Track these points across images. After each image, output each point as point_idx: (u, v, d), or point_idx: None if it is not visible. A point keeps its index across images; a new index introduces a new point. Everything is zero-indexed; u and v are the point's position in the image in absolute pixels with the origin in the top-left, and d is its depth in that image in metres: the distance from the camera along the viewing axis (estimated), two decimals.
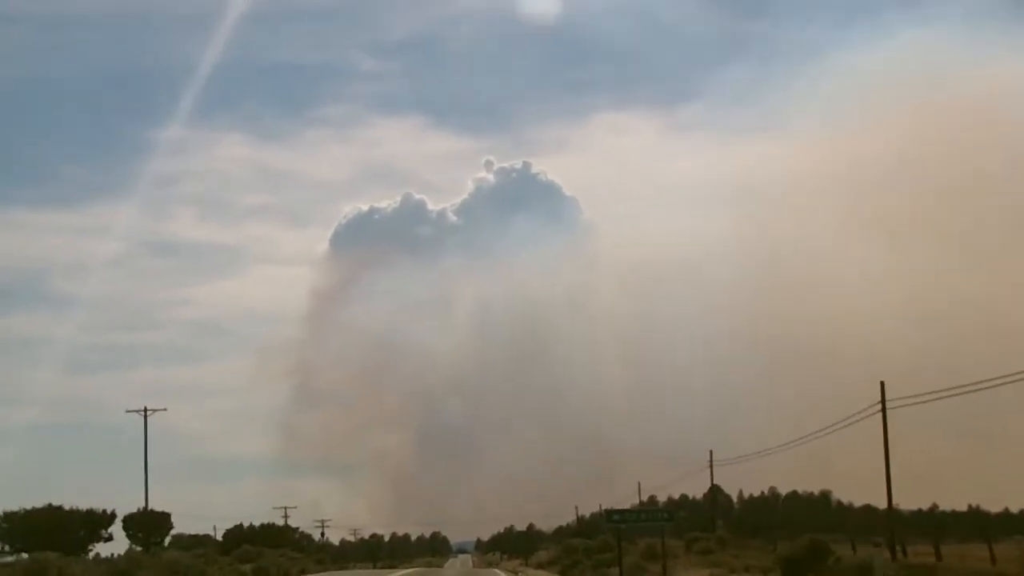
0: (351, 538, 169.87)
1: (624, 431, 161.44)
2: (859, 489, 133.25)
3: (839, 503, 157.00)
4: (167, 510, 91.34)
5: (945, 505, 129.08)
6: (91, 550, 75.08)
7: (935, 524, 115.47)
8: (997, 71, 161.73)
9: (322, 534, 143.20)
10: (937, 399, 49.22)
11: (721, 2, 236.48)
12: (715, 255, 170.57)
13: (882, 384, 51.47)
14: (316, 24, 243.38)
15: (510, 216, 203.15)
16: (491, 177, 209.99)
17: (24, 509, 78.25)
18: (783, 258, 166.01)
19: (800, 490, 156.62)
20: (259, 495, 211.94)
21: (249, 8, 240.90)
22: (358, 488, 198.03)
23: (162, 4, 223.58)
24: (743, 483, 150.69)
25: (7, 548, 78.83)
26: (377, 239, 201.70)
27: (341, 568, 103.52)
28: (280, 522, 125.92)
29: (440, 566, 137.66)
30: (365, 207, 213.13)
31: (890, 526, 52.89)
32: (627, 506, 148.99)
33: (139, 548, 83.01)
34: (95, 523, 76.94)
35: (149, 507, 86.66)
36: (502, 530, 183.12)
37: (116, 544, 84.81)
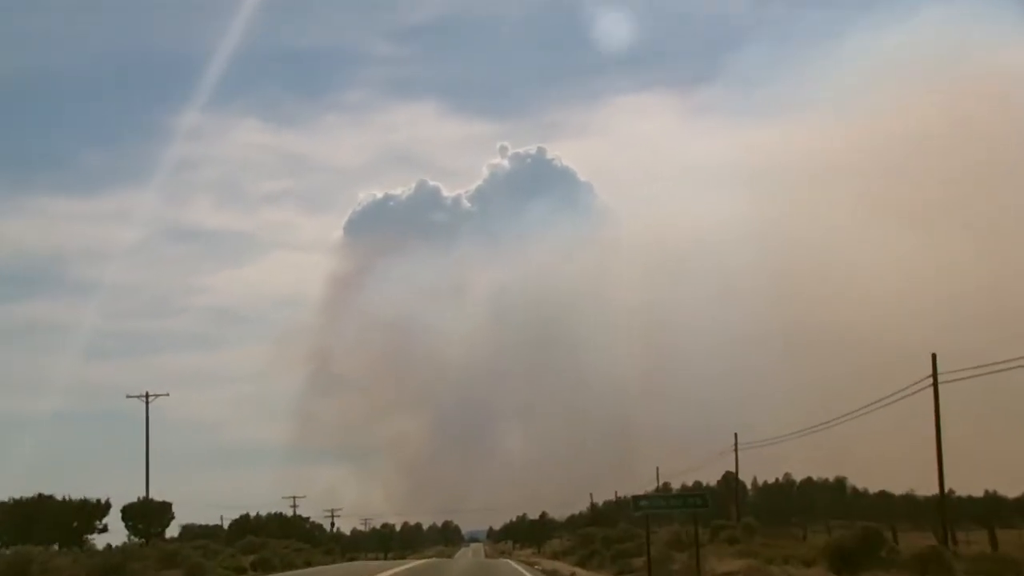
0: (363, 527, 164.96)
1: (640, 417, 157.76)
2: (874, 475, 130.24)
3: (854, 489, 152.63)
4: (177, 499, 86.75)
5: (961, 491, 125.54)
6: (85, 542, 69.75)
7: (984, 510, 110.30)
8: (1018, 51, 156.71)
9: (332, 524, 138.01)
10: (991, 372, 44.55)
11: None
12: (732, 239, 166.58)
13: (934, 357, 46.27)
14: (333, 9, 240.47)
15: (525, 202, 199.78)
16: (506, 163, 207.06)
17: (13, 499, 72.92)
18: (800, 241, 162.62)
19: (815, 477, 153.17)
20: (274, 483, 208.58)
21: None
22: (373, 475, 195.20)
23: None
24: (757, 470, 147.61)
25: None
26: (392, 225, 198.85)
27: (350, 559, 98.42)
28: (289, 512, 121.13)
29: (451, 555, 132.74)
30: (380, 194, 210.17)
31: (943, 512, 47.45)
32: (643, 493, 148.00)
33: (138, 539, 77.91)
34: (89, 513, 71.71)
35: (150, 497, 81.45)
36: (514, 519, 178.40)
37: (114, 535, 79.81)
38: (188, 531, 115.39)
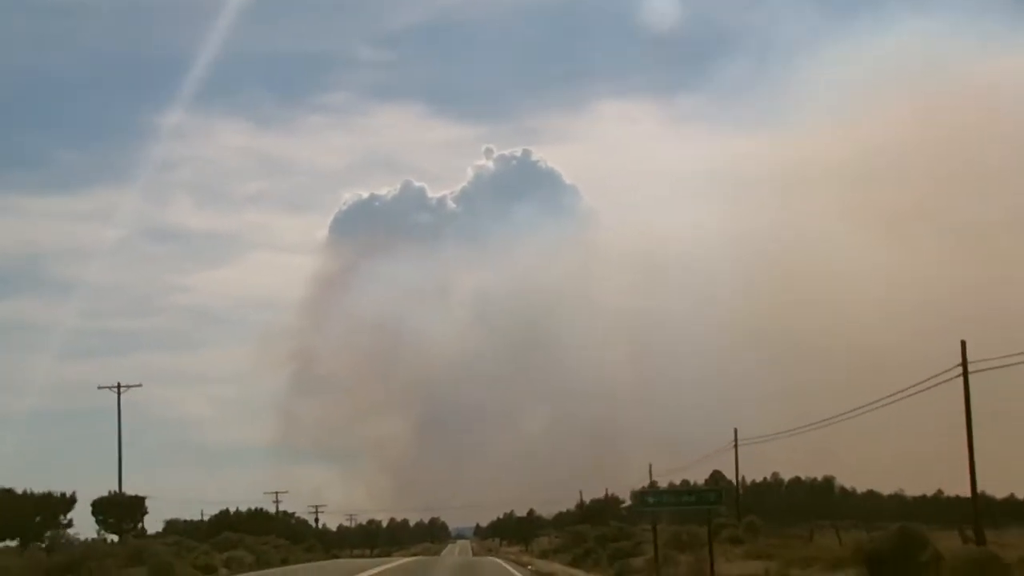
0: (348, 524, 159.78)
1: (625, 417, 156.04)
2: (861, 476, 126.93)
3: (842, 489, 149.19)
4: (162, 495, 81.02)
5: (949, 491, 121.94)
6: (47, 538, 64.21)
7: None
8: (999, 61, 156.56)
9: (316, 520, 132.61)
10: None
11: None
12: (715, 244, 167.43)
13: (963, 344, 41.41)
14: (316, 12, 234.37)
15: (510, 204, 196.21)
16: (491, 165, 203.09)
17: None
18: (783, 248, 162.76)
19: (803, 476, 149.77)
20: (258, 482, 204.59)
21: None
22: (358, 474, 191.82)
23: None
24: (745, 469, 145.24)
25: None
26: (377, 226, 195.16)
27: (332, 557, 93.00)
28: (272, 508, 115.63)
29: (437, 553, 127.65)
30: (365, 194, 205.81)
31: (976, 510, 42.42)
32: (628, 492, 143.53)
33: (108, 535, 72.53)
34: (53, 508, 66.11)
35: (123, 491, 76.06)
36: (501, 516, 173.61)
37: (86, 531, 74.17)
38: (172, 526, 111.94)
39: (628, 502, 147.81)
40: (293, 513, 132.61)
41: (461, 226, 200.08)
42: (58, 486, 71.63)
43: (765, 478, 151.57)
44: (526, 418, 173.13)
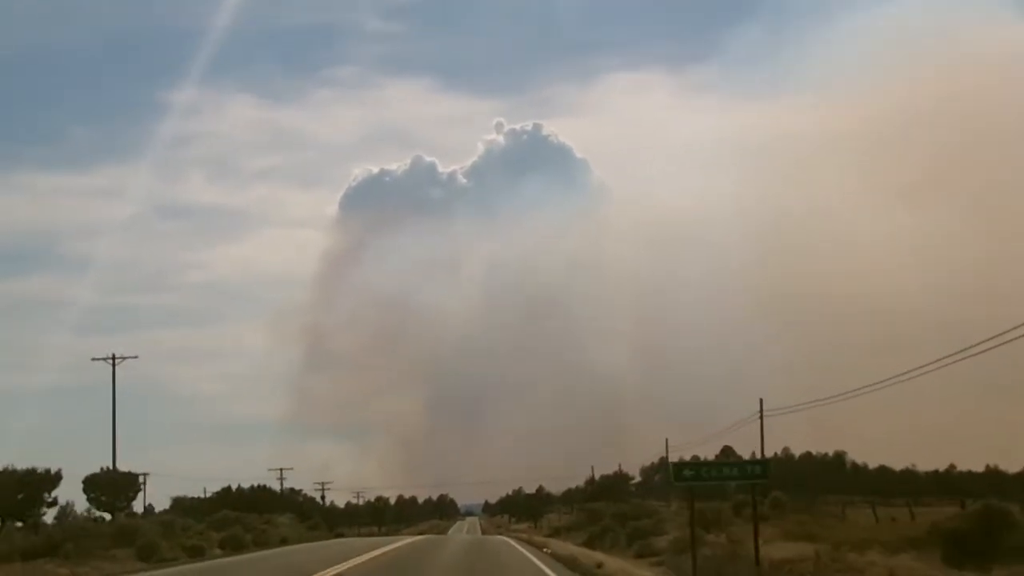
0: (356, 501, 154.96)
1: (636, 393, 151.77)
2: (873, 451, 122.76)
3: (854, 464, 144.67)
4: (166, 471, 76.16)
5: (963, 465, 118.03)
6: (31, 516, 59.14)
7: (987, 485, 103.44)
8: (1011, 29, 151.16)
9: (322, 497, 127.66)
10: None
11: None
12: (727, 215, 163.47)
13: None
14: None
15: (521, 178, 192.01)
16: (501, 139, 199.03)
17: None
18: (795, 218, 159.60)
19: (814, 451, 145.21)
20: (268, 459, 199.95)
21: None
22: (369, 451, 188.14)
23: None
24: (755, 445, 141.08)
25: None
26: (387, 201, 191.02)
27: (337, 536, 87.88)
28: (276, 485, 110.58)
29: (445, 531, 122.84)
30: (375, 169, 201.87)
31: None
32: (638, 469, 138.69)
33: (101, 513, 67.57)
34: (37, 485, 61.16)
35: (117, 467, 71.11)
36: (510, 492, 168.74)
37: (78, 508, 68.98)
38: (179, 503, 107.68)
39: (638, 478, 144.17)
40: (300, 490, 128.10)
41: (472, 201, 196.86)
42: (64, 463, 67.57)
43: (776, 453, 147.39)
44: (536, 393, 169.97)
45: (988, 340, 37.80)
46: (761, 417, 62.71)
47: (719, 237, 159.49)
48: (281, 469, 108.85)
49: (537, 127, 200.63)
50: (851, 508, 64.82)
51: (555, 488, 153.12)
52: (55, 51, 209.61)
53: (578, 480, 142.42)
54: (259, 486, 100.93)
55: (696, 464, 30.32)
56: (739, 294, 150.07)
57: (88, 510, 66.40)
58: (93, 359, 72.77)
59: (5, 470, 60.72)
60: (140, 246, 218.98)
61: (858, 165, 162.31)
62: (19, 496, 60.55)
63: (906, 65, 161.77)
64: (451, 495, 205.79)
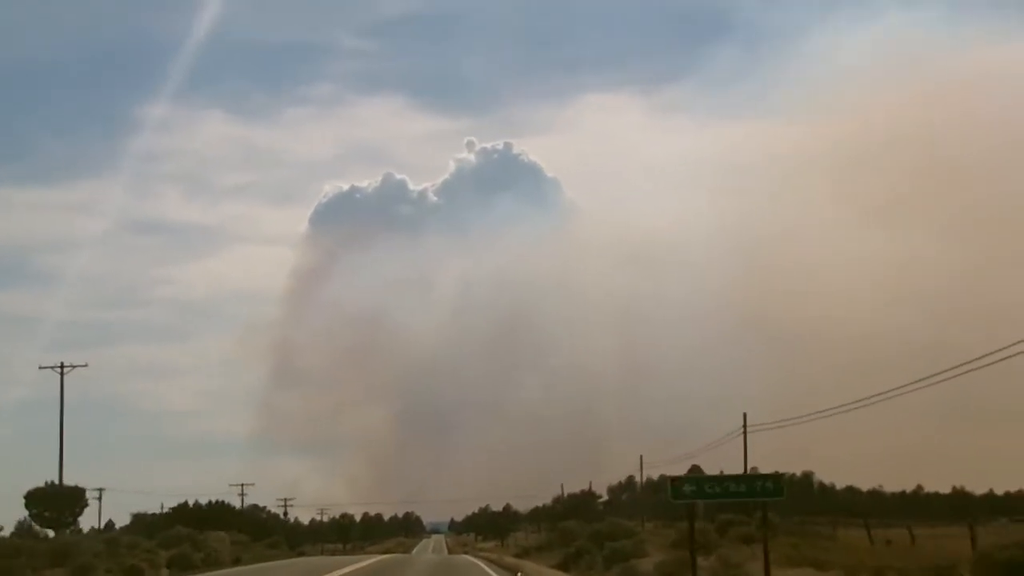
0: (320, 517, 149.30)
1: (606, 411, 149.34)
2: (840, 472, 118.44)
3: (821, 484, 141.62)
4: (134, 488, 70.60)
5: (929, 487, 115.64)
6: None
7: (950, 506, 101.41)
8: (985, 52, 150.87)
9: (285, 513, 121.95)
10: None
11: None
12: (698, 236, 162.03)
13: None
14: (300, 3, 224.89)
15: (491, 197, 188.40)
16: (472, 157, 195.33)
17: None
18: (767, 239, 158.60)
19: (782, 471, 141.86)
20: (234, 474, 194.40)
21: None
22: (336, 467, 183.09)
23: None
24: (724, 464, 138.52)
25: None
26: (358, 218, 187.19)
27: (299, 554, 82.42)
28: (237, 501, 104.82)
29: (411, 549, 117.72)
30: (346, 186, 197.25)
31: None
32: (605, 488, 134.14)
33: (44, 530, 62.00)
34: None
35: (63, 482, 65.60)
36: (476, 510, 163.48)
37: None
38: (140, 520, 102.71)
39: (606, 497, 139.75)
40: (264, 507, 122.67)
41: (442, 219, 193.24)
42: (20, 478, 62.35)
43: (744, 473, 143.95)
44: (504, 411, 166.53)
45: (961, 365, 34.66)
46: (745, 433, 58.45)
47: (691, 257, 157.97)
48: (242, 484, 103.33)
49: (508, 146, 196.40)
50: (844, 530, 60.45)
51: (522, 506, 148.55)
52: (28, 65, 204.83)
53: (545, 498, 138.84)
54: (217, 502, 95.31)
55: (698, 479, 25.77)
56: (711, 314, 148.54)
57: (28, 527, 60.99)
58: (40, 367, 67.40)
59: None
60: (112, 261, 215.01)
61: (832, 186, 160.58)
62: None
63: (881, 86, 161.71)
64: (417, 512, 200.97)
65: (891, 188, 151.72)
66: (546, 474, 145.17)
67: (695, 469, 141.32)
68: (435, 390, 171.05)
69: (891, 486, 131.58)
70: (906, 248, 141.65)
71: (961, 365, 34.20)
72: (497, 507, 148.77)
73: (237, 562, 56.29)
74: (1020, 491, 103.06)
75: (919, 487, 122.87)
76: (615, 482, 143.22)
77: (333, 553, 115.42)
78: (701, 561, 37.87)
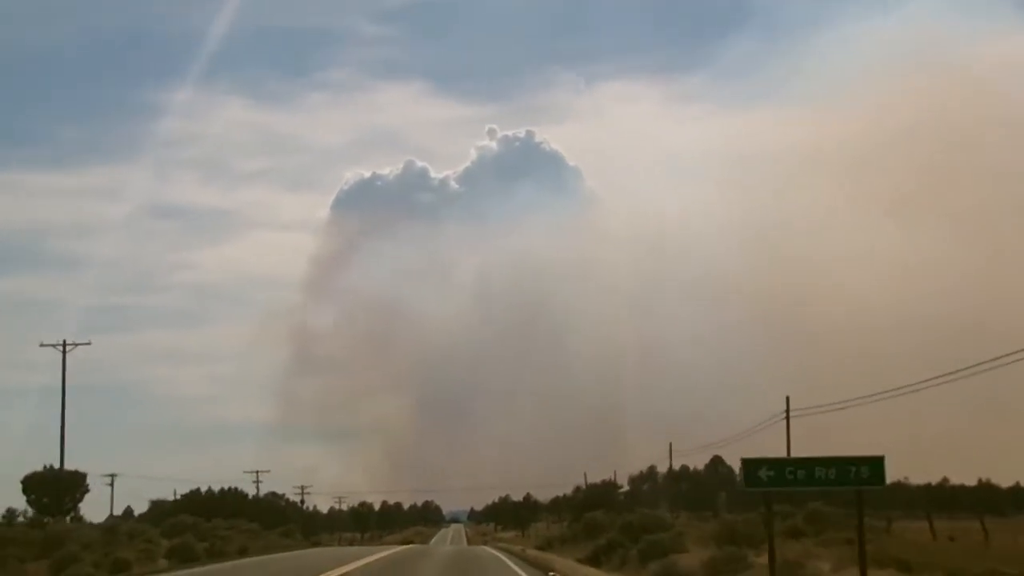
0: (338, 506, 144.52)
1: (625, 400, 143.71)
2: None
3: None
4: (152, 475, 65.81)
5: (955, 479, 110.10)
6: None
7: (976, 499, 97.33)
8: (1002, 44, 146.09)
9: (302, 501, 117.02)
10: None
11: None
12: (717, 225, 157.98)
13: None
14: None
15: (512, 185, 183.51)
16: (494, 145, 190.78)
17: None
18: (785, 229, 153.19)
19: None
20: (254, 461, 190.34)
21: None
22: (356, 455, 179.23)
23: None
24: (746, 454, 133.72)
25: None
26: (378, 206, 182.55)
27: (313, 544, 77.40)
28: (252, 488, 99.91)
29: (429, 539, 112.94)
30: (367, 173, 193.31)
31: None
32: (626, 478, 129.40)
33: (41, 516, 57.28)
34: None
35: (64, 466, 60.84)
36: (496, 499, 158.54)
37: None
38: (157, 507, 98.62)
39: (626, 487, 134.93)
40: (283, 495, 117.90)
41: (463, 207, 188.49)
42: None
43: None
44: (524, 400, 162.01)
45: (989, 361, 34.64)
46: (788, 418, 53.18)
47: (709, 247, 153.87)
48: (257, 472, 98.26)
49: (530, 134, 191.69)
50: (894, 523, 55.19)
51: (542, 496, 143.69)
52: (46, 50, 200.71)
53: (565, 488, 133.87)
54: (229, 489, 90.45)
55: (778, 462, 20.40)
56: (729, 305, 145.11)
57: (24, 512, 56.41)
58: (42, 345, 62.69)
59: None
60: (130, 247, 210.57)
61: (846, 178, 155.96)
62: None
63: (896, 79, 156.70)
64: (436, 502, 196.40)
65: (905, 181, 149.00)
66: (566, 463, 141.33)
67: (717, 460, 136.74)
68: (455, 378, 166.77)
69: (916, 478, 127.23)
70: (920, 242, 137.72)
71: (1001, 357, 34.56)
72: (517, 497, 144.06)
73: (243, 553, 51.30)
74: None
75: (944, 479, 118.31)
76: (636, 472, 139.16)
77: (351, 542, 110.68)
78: (753, 558, 32.68)
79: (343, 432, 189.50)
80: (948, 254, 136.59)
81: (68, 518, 58.41)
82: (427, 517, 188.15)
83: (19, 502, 59.63)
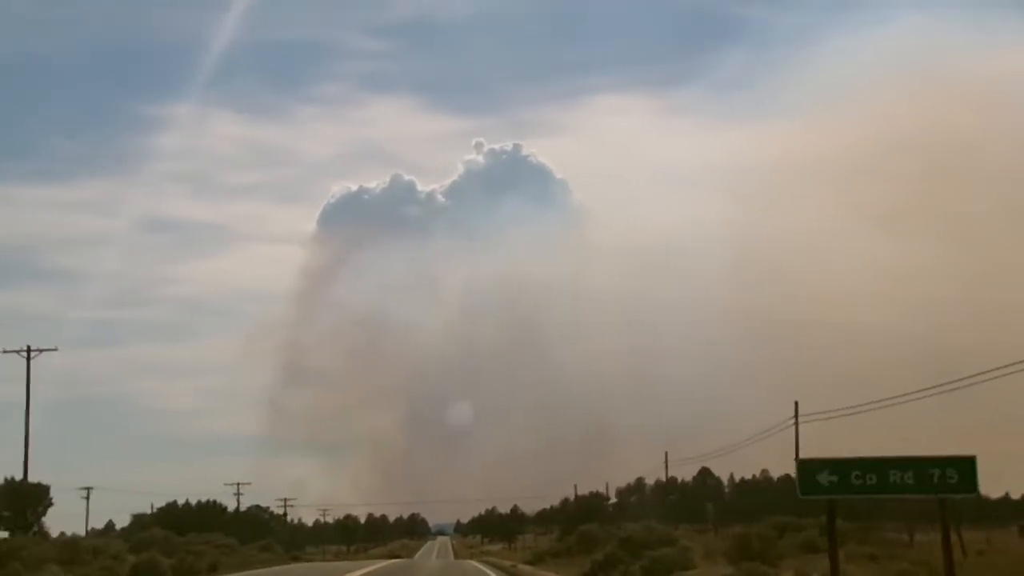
0: (323, 518, 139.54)
1: (613, 414, 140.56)
2: None
3: None
4: (137, 488, 60.69)
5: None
6: None
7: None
8: (997, 56, 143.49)
9: (284, 514, 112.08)
10: None
11: None
12: (707, 239, 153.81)
13: None
14: (310, 3, 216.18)
15: (500, 198, 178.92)
16: (481, 159, 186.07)
17: None
18: (776, 242, 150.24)
19: (793, 474, 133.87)
20: (238, 475, 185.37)
21: None
22: (343, 468, 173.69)
23: None
24: (734, 467, 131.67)
25: None
26: (366, 219, 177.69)
27: (293, 559, 72.70)
28: (232, 501, 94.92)
29: (415, 552, 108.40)
30: (354, 187, 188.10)
31: None
32: (614, 490, 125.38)
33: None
34: None
35: (27, 479, 56.17)
36: (483, 512, 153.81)
37: None
38: (138, 521, 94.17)
39: (614, 499, 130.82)
40: (267, 507, 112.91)
41: (451, 220, 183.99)
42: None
43: (754, 475, 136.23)
44: (511, 413, 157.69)
45: (986, 372, 32.21)
46: (796, 423, 49.03)
47: (700, 260, 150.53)
48: (238, 484, 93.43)
49: (517, 147, 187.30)
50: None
51: (529, 508, 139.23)
52: (39, 63, 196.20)
53: (552, 500, 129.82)
54: (208, 502, 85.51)
55: (841, 464, 16.00)
56: (720, 317, 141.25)
57: None
58: (4, 351, 58.12)
59: None
60: (120, 260, 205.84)
61: (840, 189, 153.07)
62: None
63: (891, 89, 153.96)
64: (422, 514, 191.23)
65: (900, 192, 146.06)
66: (552, 476, 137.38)
67: (705, 472, 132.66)
68: (442, 392, 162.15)
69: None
70: (913, 253, 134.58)
71: (1009, 365, 31.78)
72: (504, 509, 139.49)
73: (212, 570, 46.70)
74: None
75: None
76: (623, 484, 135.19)
77: (336, 555, 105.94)
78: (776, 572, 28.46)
79: (331, 445, 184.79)
80: (940, 263, 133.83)
81: (32, 532, 53.86)
82: (413, 530, 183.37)
83: None
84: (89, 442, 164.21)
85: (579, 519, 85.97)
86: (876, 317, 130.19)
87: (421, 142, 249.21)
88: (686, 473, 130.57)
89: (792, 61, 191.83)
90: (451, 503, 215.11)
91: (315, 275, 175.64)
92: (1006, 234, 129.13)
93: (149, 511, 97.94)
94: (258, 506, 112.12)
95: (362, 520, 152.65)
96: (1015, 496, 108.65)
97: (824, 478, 15.22)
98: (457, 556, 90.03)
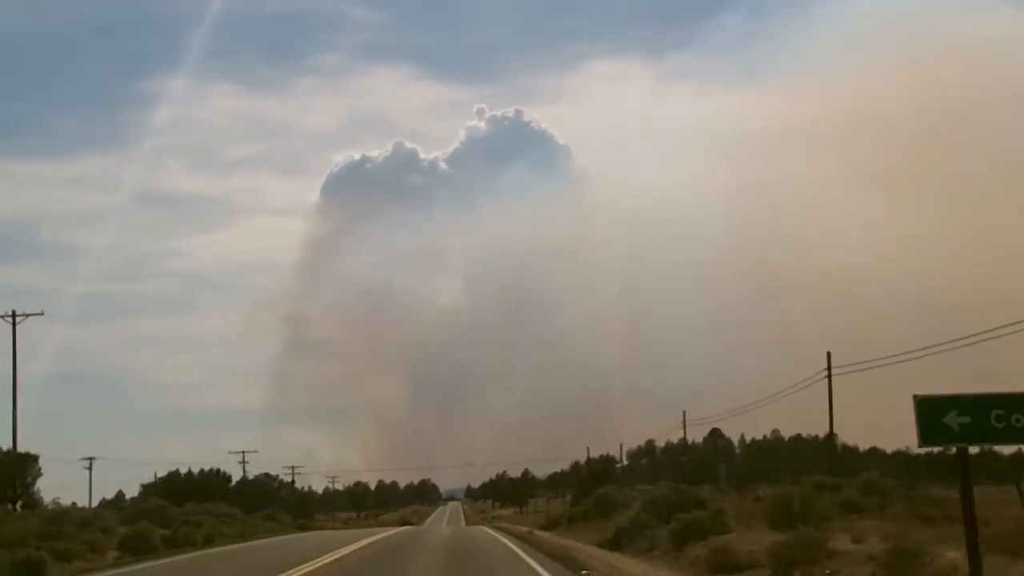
0: (333, 486, 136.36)
1: (620, 377, 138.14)
2: (861, 433, 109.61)
3: (845, 446, 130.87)
4: (146, 459, 57.11)
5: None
6: None
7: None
8: (990, 19, 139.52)
9: (293, 481, 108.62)
10: None
11: None
12: (706, 202, 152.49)
13: None
14: None
15: (502, 165, 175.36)
16: (483, 126, 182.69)
17: None
18: (775, 205, 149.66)
19: (804, 433, 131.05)
20: (246, 445, 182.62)
21: None
22: (351, 436, 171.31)
23: None
24: (744, 427, 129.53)
25: None
26: (369, 188, 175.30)
27: (300, 528, 68.91)
28: (239, 470, 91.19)
29: (425, 518, 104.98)
30: (357, 156, 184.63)
31: None
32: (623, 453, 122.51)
33: None
34: None
35: (17, 449, 52.29)
36: (494, 476, 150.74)
37: None
38: (148, 491, 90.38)
39: (625, 462, 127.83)
40: (276, 476, 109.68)
41: (453, 187, 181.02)
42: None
43: (765, 436, 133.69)
44: (518, 378, 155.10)
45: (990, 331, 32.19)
46: (829, 376, 45.02)
47: (698, 223, 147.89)
48: (243, 452, 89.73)
49: (518, 113, 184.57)
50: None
51: (539, 471, 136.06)
52: (34, 38, 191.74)
53: (562, 464, 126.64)
54: (211, 471, 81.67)
55: (977, 402, 11.80)
56: (721, 280, 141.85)
57: None
58: None
59: None
60: (121, 234, 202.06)
61: (837, 152, 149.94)
62: None
63: (887, 53, 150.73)
64: (433, 480, 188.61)
65: (899, 156, 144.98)
66: (561, 441, 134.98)
67: (716, 432, 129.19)
68: (449, 357, 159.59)
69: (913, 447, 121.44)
70: (913, 216, 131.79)
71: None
72: (514, 473, 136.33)
73: (208, 542, 42.81)
74: None
75: (946, 448, 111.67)
76: (633, 447, 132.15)
77: (346, 522, 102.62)
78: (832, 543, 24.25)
79: (339, 414, 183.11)
80: (936, 225, 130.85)
81: (18, 504, 50.11)
82: (424, 495, 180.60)
83: None
84: (93, 415, 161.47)
85: (591, 482, 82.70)
86: (874, 279, 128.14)
87: (422, 110, 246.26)
88: (696, 435, 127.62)
89: (787, 25, 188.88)
90: (462, 468, 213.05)
91: (318, 245, 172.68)
92: (1004, 195, 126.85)
93: (152, 481, 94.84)
94: (267, 474, 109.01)
95: (372, 487, 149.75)
96: None
97: (953, 420, 11.17)
98: (468, 522, 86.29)
